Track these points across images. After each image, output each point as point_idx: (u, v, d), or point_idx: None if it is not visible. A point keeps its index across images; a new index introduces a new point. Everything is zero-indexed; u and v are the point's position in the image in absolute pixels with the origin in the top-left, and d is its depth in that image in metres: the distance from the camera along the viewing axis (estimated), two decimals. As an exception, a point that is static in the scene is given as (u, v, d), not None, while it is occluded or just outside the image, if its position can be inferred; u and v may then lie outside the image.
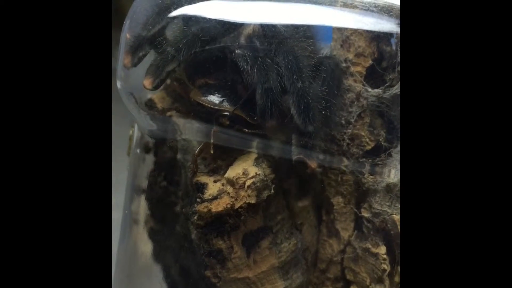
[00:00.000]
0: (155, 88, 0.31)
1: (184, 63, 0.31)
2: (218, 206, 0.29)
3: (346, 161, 0.32)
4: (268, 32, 0.29)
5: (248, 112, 0.30)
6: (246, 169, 0.30)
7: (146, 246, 0.38)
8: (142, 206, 0.38)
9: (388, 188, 0.31)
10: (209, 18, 0.30)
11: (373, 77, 0.32)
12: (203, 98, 0.30)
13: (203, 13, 0.30)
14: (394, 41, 0.31)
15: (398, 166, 0.31)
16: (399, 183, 0.31)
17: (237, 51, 0.29)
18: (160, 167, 0.36)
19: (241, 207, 0.29)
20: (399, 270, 0.31)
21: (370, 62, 0.31)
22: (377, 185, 0.32)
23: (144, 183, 0.37)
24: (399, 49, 0.30)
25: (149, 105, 0.33)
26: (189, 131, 0.32)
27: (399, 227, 0.31)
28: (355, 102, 0.31)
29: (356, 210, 0.33)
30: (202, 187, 0.30)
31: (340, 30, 0.32)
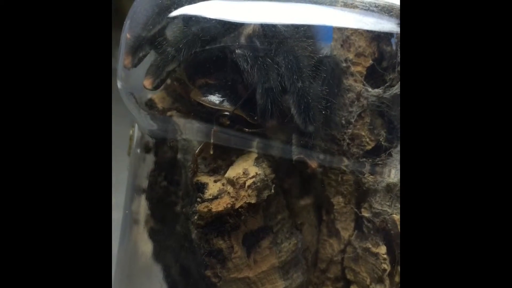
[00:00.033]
0: (155, 88, 0.31)
1: (184, 63, 0.31)
2: (218, 206, 0.29)
3: (346, 161, 0.32)
4: (268, 32, 0.29)
5: (248, 112, 0.30)
6: (247, 169, 0.30)
7: (146, 246, 0.38)
8: (142, 206, 0.38)
9: (388, 188, 0.31)
10: (209, 18, 0.30)
11: (373, 77, 0.32)
12: (203, 98, 0.30)
13: (203, 13, 0.30)
14: (394, 41, 0.31)
15: (398, 166, 0.31)
16: (399, 183, 0.31)
17: (237, 51, 0.29)
18: (161, 167, 0.36)
19: (241, 207, 0.29)
20: (399, 270, 0.31)
21: (371, 62, 0.31)
22: (377, 185, 0.32)
23: (145, 183, 0.37)
24: (399, 49, 0.30)
25: (150, 105, 0.33)
26: (190, 131, 0.32)
27: (399, 227, 0.31)
28: (356, 102, 0.31)
29: (356, 210, 0.33)
30: (202, 187, 0.30)
31: (340, 30, 0.32)
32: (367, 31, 0.31)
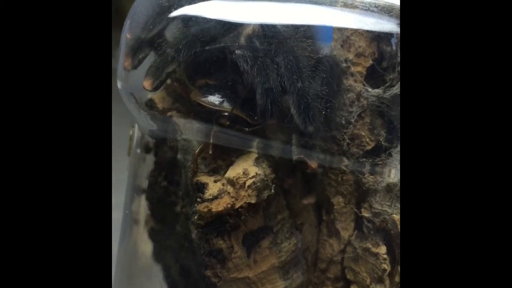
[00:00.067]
0: (155, 89, 0.31)
1: (184, 64, 0.31)
2: (218, 206, 0.29)
3: (346, 161, 0.32)
4: (268, 32, 0.29)
5: (248, 112, 0.30)
6: (247, 169, 0.30)
7: (146, 246, 0.38)
8: (142, 206, 0.38)
9: (388, 188, 0.31)
10: (209, 19, 0.30)
11: (373, 77, 0.32)
12: (203, 99, 0.30)
13: (203, 13, 0.30)
14: (394, 41, 0.31)
15: (398, 166, 0.31)
16: (399, 183, 0.31)
17: (237, 51, 0.29)
18: (161, 167, 0.36)
19: (241, 207, 0.29)
20: (399, 270, 0.31)
21: (371, 62, 0.31)
22: (377, 185, 0.32)
23: (145, 183, 0.37)
24: (399, 49, 0.30)
25: (150, 105, 0.33)
26: (190, 131, 0.32)
27: (399, 227, 0.31)
28: (356, 102, 0.31)
29: (356, 210, 0.33)
30: (202, 187, 0.30)
31: (340, 30, 0.32)
32: (367, 31, 0.31)
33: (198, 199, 0.30)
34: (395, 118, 0.31)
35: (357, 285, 0.34)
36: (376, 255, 0.32)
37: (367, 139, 0.32)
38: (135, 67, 0.32)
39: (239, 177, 0.29)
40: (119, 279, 0.38)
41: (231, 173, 0.30)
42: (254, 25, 0.30)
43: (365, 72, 0.31)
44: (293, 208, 0.34)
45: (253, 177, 0.29)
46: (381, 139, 0.32)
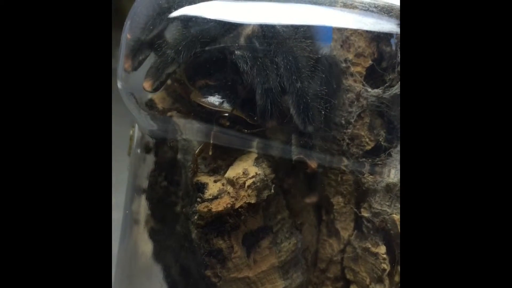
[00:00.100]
0: (154, 90, 0.31)
1: (184, 64, 0.31)
2: (218, 206, 0.29)
3: (346, 161, 0.32)
4: (267, 32, 0.29)
5: (248, 113, 0.30)
6: (246, 169, 0.30)
7: (146, 246, 0.38)
8: (142, 206, 0.38)
9: (388, 188, 0.31)
10: (208, 19, 0.30)
11: (373, 77, 0.32)
12: (203, 100, 0.30)
13: (202, 14, 0.30)
14: (394, 41, 0.31)
15: (398, 166, 0.31)
16: (399, 183, 0.31)
17: (237, 52, 0.29)
18: (161, 167, 0.37)
19: (241, 207, 0.30)
20: (399, 269, 0.31)
21: (370, 62, 0.31)
22: (377, 185, 0.32)
23: (145, 183, 0.37)
24: (399, 50, 0.31)
25: (150, 105, 0.33)
26: (190, 131, 0.32)
27: (399, 226, 0.31)
28: (355, 102, 0.32)
29: (356, 210, 0.33)
30: (202, 187, 0.30)
31: (340, 30, 0.32)
32: (367, 31, 0.31)
33: (198, 199, 0.30)
34: (395, 118, 0.31)
35: (356, 285, 0.34)
36: (375, 255, 0.32)
37: (367, 139, 0.32)
38: (135, 68, 0.32)
39: (239, 177, 0.30)
40: (119, 279, 0.38)
41: (231, 173, 0.30)
42: (254, 25, 0.30)
43: (364, 72, 0.32)
44: (293, 208, 0.34)
45: (253, 177, 0.29)
46: (380, 139, 0.32)
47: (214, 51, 0.30)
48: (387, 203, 0.32)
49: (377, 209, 0.32)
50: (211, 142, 0.31)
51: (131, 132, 0.39)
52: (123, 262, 0.38)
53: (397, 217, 0.31)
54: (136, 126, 0.38)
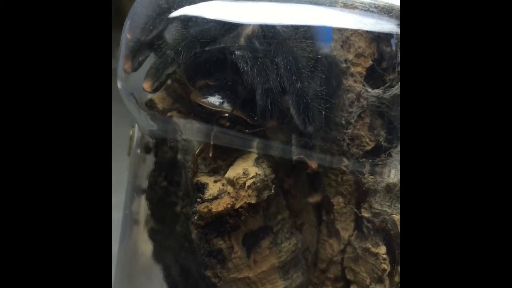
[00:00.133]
0: (154, 91, 0.31)
1: (184, 64, 0.31)
2: (218, 206, 0.29)
3: (346, 161, 0.32)
4: (267, 32, 0.29)
5: (248, 113, 0.30)
6: (247, 169, 0.30)
7: (146, 246, 0.38)
8: (142, 206, 0.38)
9: (388, 188, 0.31)
10: (208, 19, 0.30)
11: (373, 77, 0.32)
12: (204, 100, 0.30)
13: (202, 14, 0.30)
14: (394, 41, 0.31)
15: (398, 166, 0.31)
16: (399, 183, 0.31)
17: (237, 52, 0.29)
18: (161, 167, 0.36)
19: (241, 207, 0.29)
20: (399, 270, 0.31)
21: (370, 62, 0.31)
22: (377, 185, 0.32)
23: (145, 183, 0.37)
24: (399, 50, 0.30)
25: (150, 105, 0.33)
26: (190, 131, 0.32)
27: (399, 227, 0.31)
28: (355, 103, 0.32)
29: (356, 210, 0.33)
30: (202, 187, 0.30)
31: (340, 30, 0.32)
32: (367, 31, 0.31)
33: (198, 199, 0.30)
34: (395, 118, 0.31)
35: (357, 285, 0.34)
36: (376, 255, 0.32)
37: (367, 140, 0.32)
38: (135, 69, 0.32)
39: (239, 177, 0.30)
40: (119, 279, 0.38)
41: (231, 173, 0.30)
42: (254, 25, 0.30)
43: (365, 73, 0.31)
44: (293, 208, 0.34)
45: (253, 177, 0.29)
46: (381, 140, 0.32)
47: (214, 51, 0.30)
48: (387, 203, 0.32)
49: (377, 209, 0.32)
50: (211, 142, 0.31)
51: (131, 132, 0.39)
52: (123, 262, 0.38)
53: (397, 217, 0.31)
54: (136, 126, 0.38)
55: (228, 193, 0.30)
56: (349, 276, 0.34)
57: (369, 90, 0.31)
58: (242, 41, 0.30)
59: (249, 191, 0.29)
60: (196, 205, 0.30)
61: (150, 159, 0.37)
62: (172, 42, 0.31)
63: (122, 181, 0.39)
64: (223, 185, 0.30)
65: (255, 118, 0.30)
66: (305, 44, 0.29)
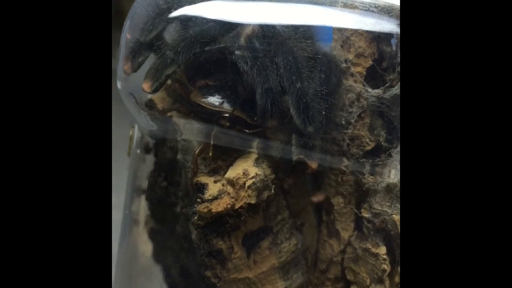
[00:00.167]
0: (154, 91, 0.31)
1: (184, 65, 0.31)
2: (218, 206, 0.29)
3: (346, 162, 0.32)
4: (267, 32, 0.29)
5: (248, 113, 0.30)
6: (246, 169, 0.30)
7: (146, 247, 0.38)
8: (142, 207, 0.38)
9: (388, 188, 0.31)
10: (208, 19, 0.30)
11: (373, 77, 0.32)
12: (204, 100, 0.30)
13: (202, 14, 0.30)
14: (394, 41, 0.31)
15: (398, 167, 0.31)
16: (399, 183, 0.31)
17: (237, 52, 0.29)
18: (161, 168, 0.36)
19: (241, 207, 0.29)
20: (399, 270, 0.31)
21: (370, 62, 0.31)
22: (377, 186, 0.32)
23: (145, 184, 0.37)
24: (399, 50, 0.30)
25: (150, 105, 0.33)
26: (189, 131, 0.32)
27: (399, 227, 0.31)
28: (355, 103, 0.31)
29: (356, 210, 0.33)
30: (202, 187, 0.30)
31: (340, 30, 0.32)
32: (367, 31, 0.31)
33: (198, 200, 0.30)
34: (395, 118, 0.31)
35: (357, 285, 0.34)
36: (376, 255, 0.32)
37: (367, 140, 0.32)
38: (134, 70, 0.32)
39: (239, 178, 0.29)
40: (119, 280, 0.38)
41: (231, 173, 0.30)
42: (254, 25, 0.30)
43: (365, 73, 0.31)
44: (293, 209, 0.34)
45: (253, 177, 0.29)
46: (381, 140, 0.32)
47: (214, 51, 0.30)
48: (388, 204, 0.31)
49: (378, 209, 0.32)
50: (211, 142, 0.31)
51: (130, 132, 0.39)
52: (123, 262, 0.38)
53: (397, 217, 0.31)
54: (136, 126, 0.38)
55: (228, 193, 0.30)
56: (349, 276, 0.34)
57: (369, 90, 0.31)
58: (242, 41, 0.30)
59: (249, 191, 0.29)
60: (196, 205, 0.30)
61: (150, 159, 0.37)
62: (171, 43, 0.30)
63: (122, 181, 0.39)
64: (223, 185, 0.30)
65: (255, 118, 0.30)
66: (305, 44, 0.29)
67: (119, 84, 0.33)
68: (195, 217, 0.30)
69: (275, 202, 0.32)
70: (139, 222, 0.38)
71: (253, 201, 0.29)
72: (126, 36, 0.32)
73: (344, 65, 0.31)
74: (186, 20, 0.30)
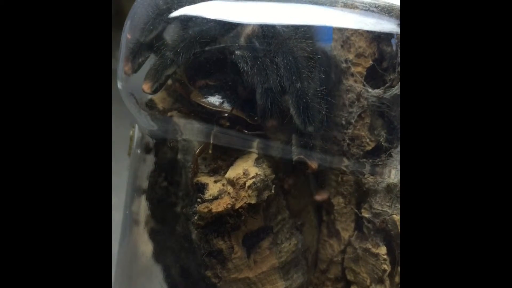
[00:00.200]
0: (154, 92, 0.31)
1: (184, 65, 0.31)
2: (218, 206, 0.29)
3: (346, 162, 0.32)
4: (267, 32, 0.29)
5: (248, 113, 0.30)
6: (247, 169, 0.30)
7: (146, 247, 0.38)
8: (142, 207, 0.38)
9: (389, 188, 0.31)
10: (208, 19, 0.30)
11: (373, 77, 0.32)
12: (204, 100, 0.30)
13: (202, 14, 0.30)
14: (394, 41, 0.31)
15: (398, 167, 0.31)
16: (399, 183, 0.31)
17: (237, 52, 0.29)
18: (161, 168, 0.36)
19: (241, 207, 0.29)
20: (399, 270, 0.31)
21: (371, 62, 0.31)
22: (378, 186, 0.32)
23: (145, 184, 0.37)
24: (399, 50, 0.30)
25: (150, 105, 0.33)
26: (190, 131, 0.32)
27: (399, 227, 0.31)
28: (356, 103, 0.31)
29: (356, 210, 0.33)
30: (202, 187, 0.30)
31: (340, 30, 0.32)
32: (367, 31, 0.31)
33: (198, 200, 0.30)
34: (395, 118, 0.31)
35: (357, 285, 0.34)
36: (376, 255, 0.32)
37: (367, 140, 0.32)
38: (135, 71, 0.32)
39: (239, 178, 0.29)
40: (119, 280, 0.38)
41: (231, 173, 0.30)
42: (254, 25, 0.30)
43: (365, 73, 0.31)
44: (293, 209, 0.34)
45: (253, 177, 0.29)
46: (381, 140, 0.32)
47: (214, 51, 0.30)
48: (388, 204, 0.31)
49: (378, 209, 0.32)
50: (211, 142, 0.31)
51: (131, 132, 0.39)
52: (123, 262, 0.38)
53: (397, 217, 0.31)
54: (136, 126, 0.38)
55: (228, 193, 0.30)
56: (350, 276, 0.34)
57: (370, 90, 0.31)
58: (242, 41, 0.30)
59: (249, 191, 0.29)
60: (196, 205, 0.30)
61: (150, 159, 0.37)
62: (171, 43, 0.31)
63: (123, 181, 0.39)
64: (223, 185, 0.30)
65: (255, 118, 0.30)
66: (305, 44, 0.29)
67: (119, 85, 0.33)
68: (195, 217, 0.30)
69: (275, 202, 0.32)
70: (140, 222, 0.38)
71: (253, 201, 0.29)
72: (127, 36, 0.32)
73: (344, 65, 0.31)
74: (186, 20, 0.30)
